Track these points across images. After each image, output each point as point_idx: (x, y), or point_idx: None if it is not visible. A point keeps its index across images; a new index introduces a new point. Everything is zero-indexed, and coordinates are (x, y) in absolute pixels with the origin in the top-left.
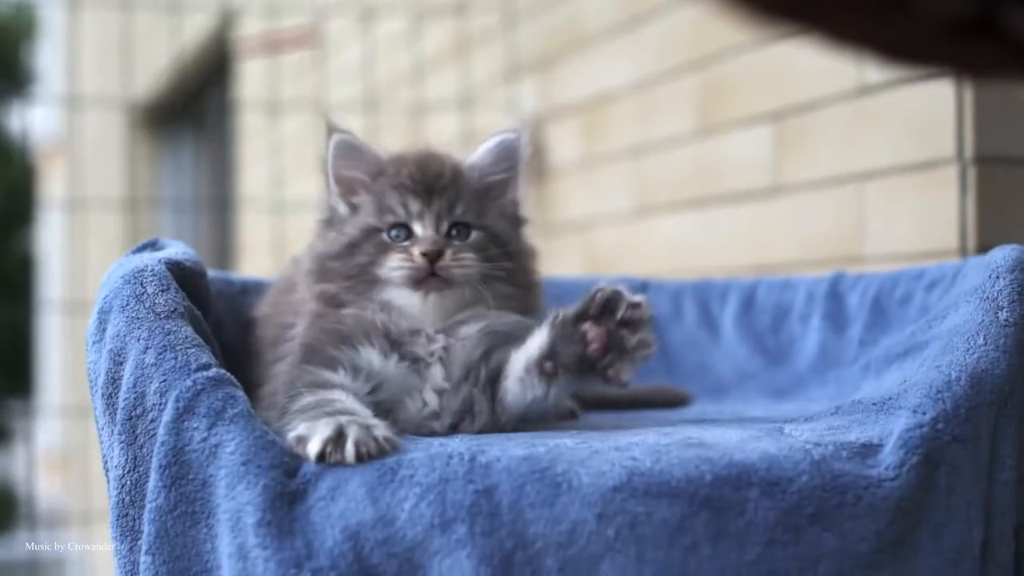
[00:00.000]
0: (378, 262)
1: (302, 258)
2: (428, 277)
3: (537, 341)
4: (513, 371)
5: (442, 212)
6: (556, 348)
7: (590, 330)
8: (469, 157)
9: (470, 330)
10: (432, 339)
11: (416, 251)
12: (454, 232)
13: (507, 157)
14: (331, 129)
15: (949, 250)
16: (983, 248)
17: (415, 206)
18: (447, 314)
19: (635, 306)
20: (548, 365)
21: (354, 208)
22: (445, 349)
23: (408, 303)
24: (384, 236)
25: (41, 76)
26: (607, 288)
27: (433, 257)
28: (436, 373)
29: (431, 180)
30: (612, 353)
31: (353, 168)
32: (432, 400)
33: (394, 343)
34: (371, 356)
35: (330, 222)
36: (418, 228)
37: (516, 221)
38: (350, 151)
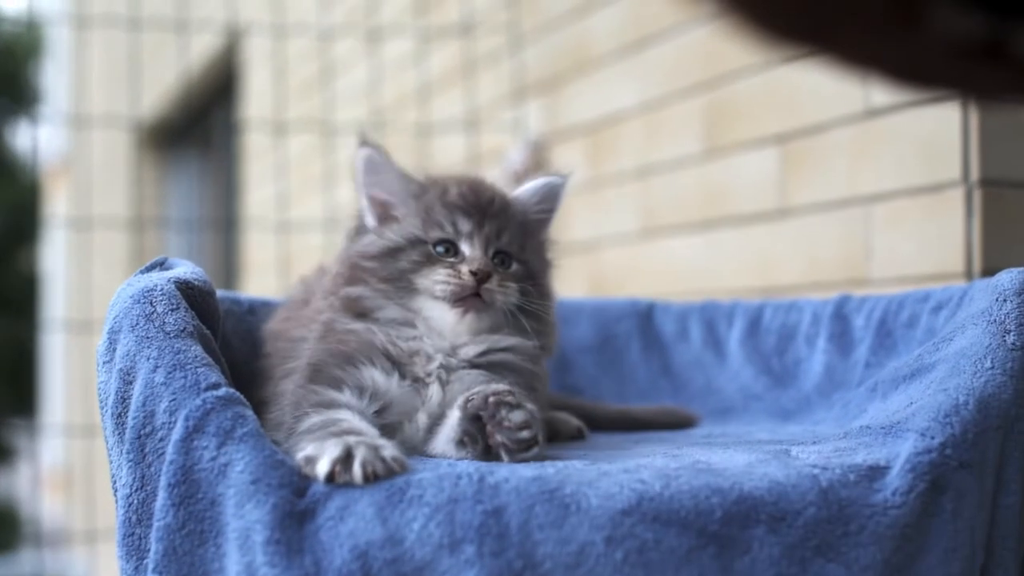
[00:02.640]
0: (420, 272)
1: (323, 270)
2: (470, 296)
3: (453, 420)
4: (447, 423)
5: (491, 237)
6: (467, 431)
7: (488, 423)
8: (515, 192)
9: (470, 352)
10: (431, 358)
11: (465, 269)
12: (497, 259)
13: (549, 199)
14: (362, 142)
15: (955, 273)
16: (988, 271)
17: (465, 226)
18: (478, 335)
19: (504, 423)
20: (465, 439)
21: (385, 220)
22: (444, 369)
23: (441, 317)
24: (429, 248)
25: (47, 95)
26: (492, 395)
27: (482, 278)
28: (434, 394)
29: (483, 204)
30: None
31: (379, 184)
32: (423, 423)
33: (395, 362)
34: (374, 375)
35: (360, 230)
36: (466, 248)
37: (546, 262)
38: (378, 166)
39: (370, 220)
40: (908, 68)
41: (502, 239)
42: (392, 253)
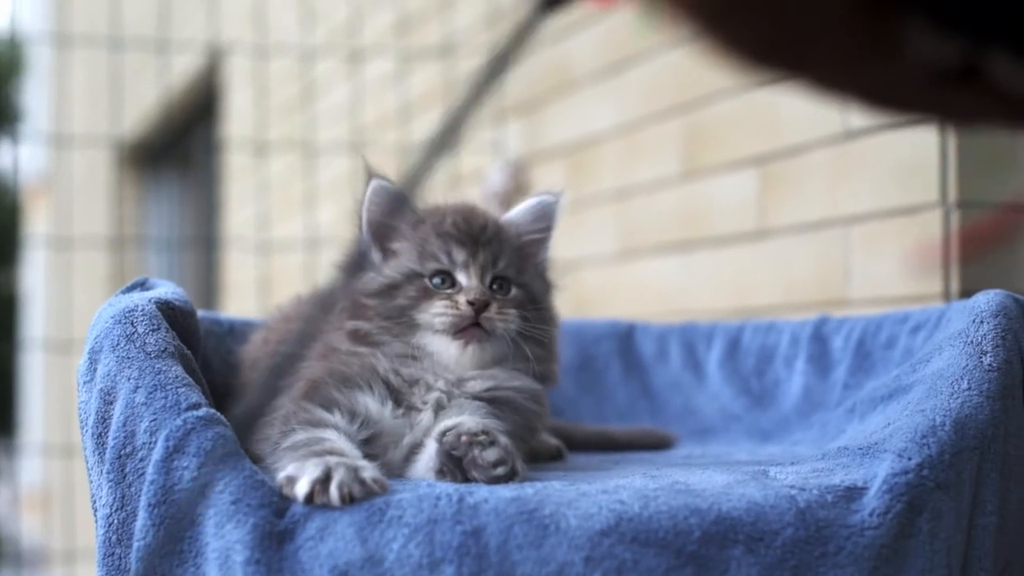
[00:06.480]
0: (419, 307)
1: (317, 295)
2: (470, 327)
3: (431, 451)
4: (425, 452)
5: (486, 264)
6: (445, 464)
7: (463, 460)
8: (509, 214)
9: (476, 387)
10: (431, 388)
11: (462, 299)
12: (495, 286)
13: (543, 218)
14: (370, 174)
15: (932, 294)
16: (966, 292)
17: (460, 255)
18: (482, 365)
19: (478, 461)
20: (445, 470)
21: (387, 253)
22: (446, 395)
23: (444, 350)
24: (426, 282)
25: (28, 114)
26: (465, 435)
27: (480, 307)
28: (425, 420)
29: (476, 231)
30: None
31: (388, 214)
32: (407, 445)
33: (393, 391)
34: (368, 402)
35: (360, 265)
36: (462, 277)
37: (547, 283)
38: (387, 197)
39: (375, 255)
40: (883, 93)
41: (499, 265)
42: (390, 290)
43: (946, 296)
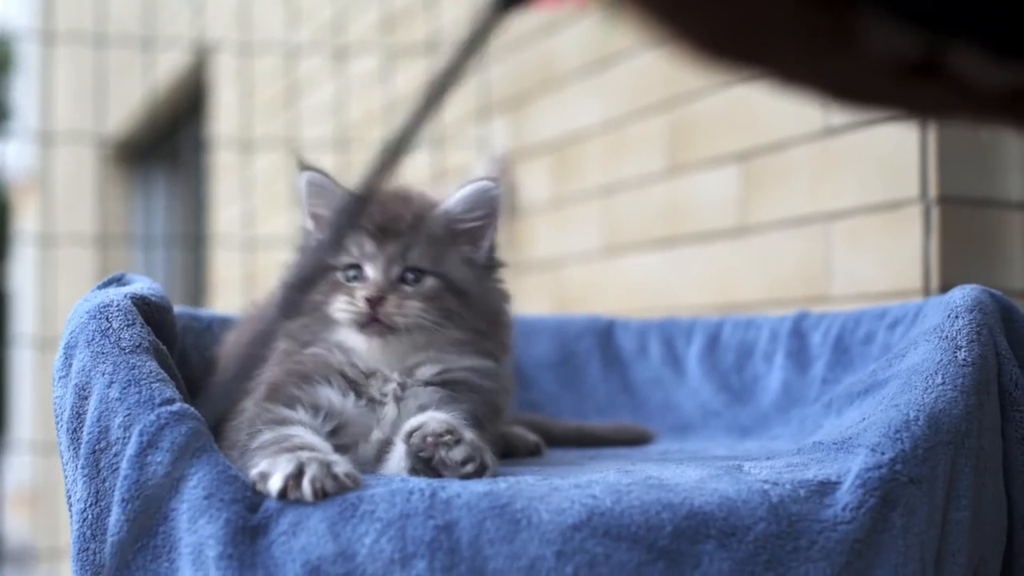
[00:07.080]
0: (328, 301)
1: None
2: (371, 322)
3: (400, 451)
4: (395, 452)
5: (394, 256)
6: (415, 465)
7: (433, 460)
8: (444, 201)
9: (426, 373)
10: (388, 379)
11: (360, 294)
12: (410, 276)
13: (482, 205)
14: (302, 166)
15: (913, 289)
16: (946, 287)
17: (369, 247)
18: (397, 357)
19: (447, 461)
20: (417, 469)
21: None
22: (402, 387)
23: (357, 345)
24: (338, 275)
25: (15, 111)
26: (431, 436)
27: (375, 303)
28: (389, 413)
29: (388, 222)
30: None
31: (322, 205)
32: (377, 441)
33: (351, 382)
34: (330, 395)
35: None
36: (369, 270)
37: (488, 266)
38: (320, 188)
39: (312, 239)
40: (847, 87)
41: (410, 256)
42: (306, 284)
43: (926, 292)
